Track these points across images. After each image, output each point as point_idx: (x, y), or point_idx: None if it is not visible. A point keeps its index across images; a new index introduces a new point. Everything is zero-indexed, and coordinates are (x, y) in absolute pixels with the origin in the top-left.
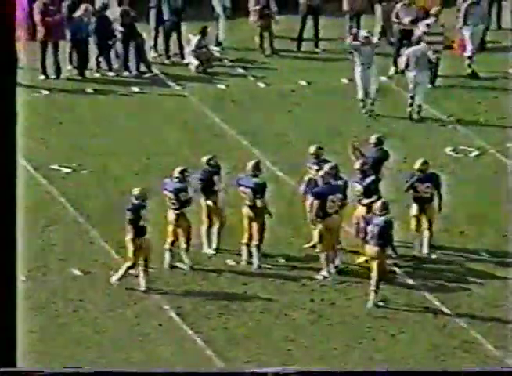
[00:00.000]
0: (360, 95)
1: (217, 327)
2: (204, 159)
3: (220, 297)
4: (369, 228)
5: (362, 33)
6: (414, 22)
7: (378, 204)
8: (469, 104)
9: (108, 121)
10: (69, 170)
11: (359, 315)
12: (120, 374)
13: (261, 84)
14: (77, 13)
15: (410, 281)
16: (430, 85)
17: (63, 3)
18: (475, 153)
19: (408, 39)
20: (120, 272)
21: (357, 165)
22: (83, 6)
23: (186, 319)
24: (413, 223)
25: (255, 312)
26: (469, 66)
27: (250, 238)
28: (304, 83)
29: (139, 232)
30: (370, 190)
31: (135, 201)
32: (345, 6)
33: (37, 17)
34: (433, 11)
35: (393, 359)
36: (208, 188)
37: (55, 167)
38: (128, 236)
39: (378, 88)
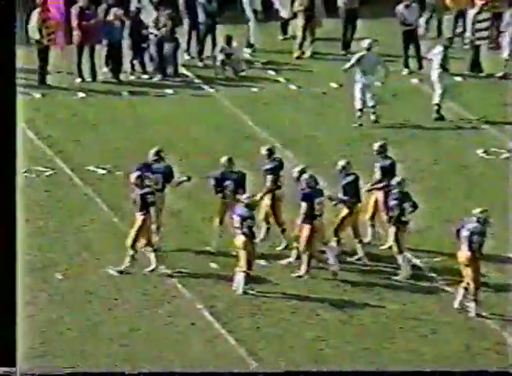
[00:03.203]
0: (358, 105)
1: (249, 327)
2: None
3: (252, 296)
4: (462, 232)
5: (367, 40)
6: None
7: (478, 209)
8: (500, 106)
9: (142, 123)
10: (104, 171)
11: (391, 315)
12: (123, 375)
13: (293, 87)
14: (109, 18)
15: (441, 281)
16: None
17: (98, 7)
18: (506, 154)
19: (413, 39)
20: (241, 280)
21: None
22: (112, 11)
23: (219, 319)
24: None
25: (287, 311)
26: (505, 66)
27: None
28: (335, 85)
29: (252, 237)
30: (346, 190)
31: (246, 209)
32: None
33: (73, 21)
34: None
35: (424, 360)
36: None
37: (91, 168)
38: (240, 242)
39: (378, 96)
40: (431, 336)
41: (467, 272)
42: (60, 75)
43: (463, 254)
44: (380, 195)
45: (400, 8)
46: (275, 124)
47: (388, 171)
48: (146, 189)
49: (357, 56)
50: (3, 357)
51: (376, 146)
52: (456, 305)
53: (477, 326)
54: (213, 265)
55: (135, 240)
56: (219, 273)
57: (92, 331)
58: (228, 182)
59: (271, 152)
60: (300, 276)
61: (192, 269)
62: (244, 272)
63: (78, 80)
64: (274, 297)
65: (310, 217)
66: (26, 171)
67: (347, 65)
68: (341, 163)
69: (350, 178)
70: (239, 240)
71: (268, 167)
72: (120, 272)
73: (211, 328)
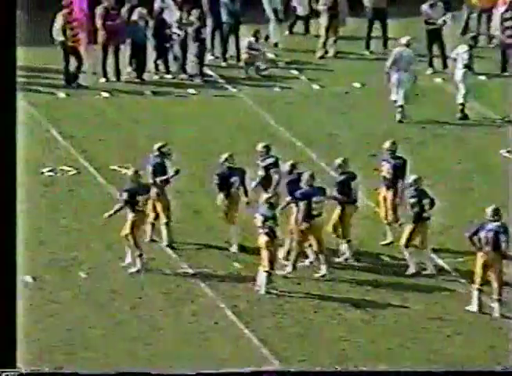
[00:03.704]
0: (394, 96)
1: (272, 326)
2: (224, 157)
3: (274, 296)
4: (482, 234)
5: (406, 37)
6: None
7: (490, 209)
8: None
9: (165, 122)
10: (127, 170)
11: (414, 315)
12: (123, 375)
13: (315, 86)
14: (133, 17)
15: (463, 281)
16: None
17: (122, 7)
18: None
19: (437, 38)
20: (264, 280)
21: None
22: (136, 10)
23: (242, 318)
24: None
25: (309, 311)
26: None
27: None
28: (358, 85)
29: (274, 236)
30: (339, 189)
31: (268, 209)
32: None
33: (98, 22)
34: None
35: (448, 361)
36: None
37: (115, 167)
38: (262, 241)
39: (409, 94)
40: (455, 336)
41: (490, 273)
42: (85, 75)
43: (489, 255)
44: (389, 194)
45: (425, 7)
46: (298, 124)
47: (400, 170)
48: (131, 186)
49: (395, 51)
50: (3, 357)
51: (386, 144)
52: (474, 308)
53: (501, 326)
54: (236, 264)
55: (135, 239)
56: (242, 273)
57: (116, 330)
58: (234, 179)
59: (268, 149)
60: (323, 276)
61: (214, 268)
62: (267, 271)
63: (102, 80)
64: (296, 296)
65: (307, 216)
66: (50, 171)
67: (388, 63)
68: (338, 161)
69: (342, 178)
70: (262, 239)
71: (268, 162)
72: (138, 271)
73: (234, 328)
